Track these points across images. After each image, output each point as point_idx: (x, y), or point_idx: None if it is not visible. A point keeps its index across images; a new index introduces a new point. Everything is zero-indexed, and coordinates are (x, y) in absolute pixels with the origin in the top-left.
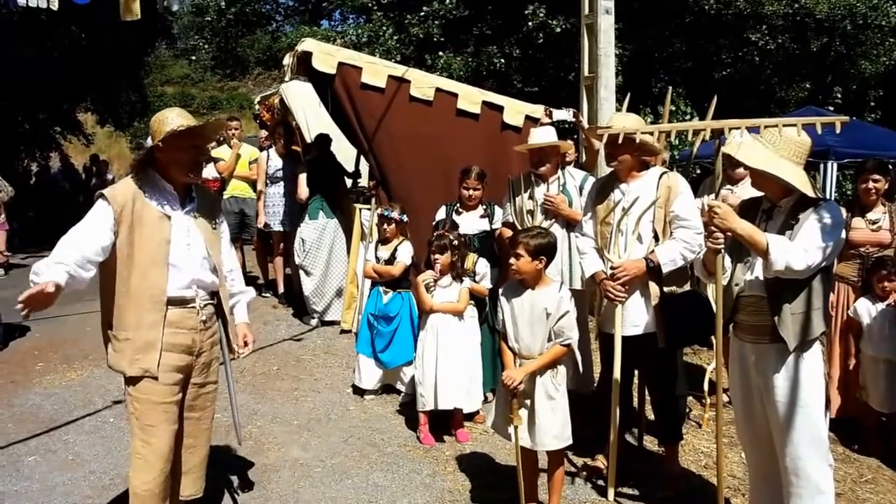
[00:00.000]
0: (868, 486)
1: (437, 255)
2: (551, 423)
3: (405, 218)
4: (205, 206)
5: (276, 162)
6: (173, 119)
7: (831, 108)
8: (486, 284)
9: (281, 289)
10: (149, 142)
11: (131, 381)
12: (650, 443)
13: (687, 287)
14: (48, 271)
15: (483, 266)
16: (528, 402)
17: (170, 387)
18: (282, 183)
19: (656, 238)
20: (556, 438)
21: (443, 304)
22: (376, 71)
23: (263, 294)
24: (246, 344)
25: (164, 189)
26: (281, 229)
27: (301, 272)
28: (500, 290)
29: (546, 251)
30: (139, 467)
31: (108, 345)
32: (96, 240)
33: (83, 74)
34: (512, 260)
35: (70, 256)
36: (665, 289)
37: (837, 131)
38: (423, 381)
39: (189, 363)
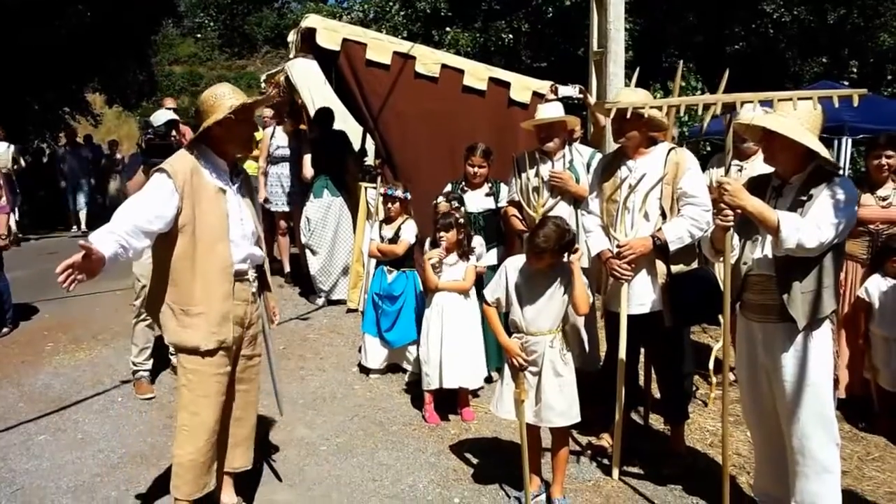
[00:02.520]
0: (875, 464)
1: (443, 233)
2: (558, 400)
3: (409, 196)
4: (246, 182)
5: (279, 141)
6: (229, 94)
7: (846, 83)
8: (482, 262)
9: (287, 268)
10: (159, 117)
11: (189, 352)
12: (656, 421)
13: (694, 265)
14: (99, 241)
15: (479, 244)
16: (535, 378)
17: (225, 358)
18: (285, 163)
19: (663, 215)
20: (563, 416)
21: (448, 283)
22: (381, 47)
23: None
24: (274, 315)
25: (217, 164)
26: (284, 209)
27: (307, 251)
28: (506, 266)
29: (571, 245)
30: (184, 439)
31: (161, 320)
32: (153, 209)
33: (91, 54)
34: (535, 260)
35: (123, 226)
36: (672, 267)
37: (855, 104)
38: (428, 359)
39: (241, 335)
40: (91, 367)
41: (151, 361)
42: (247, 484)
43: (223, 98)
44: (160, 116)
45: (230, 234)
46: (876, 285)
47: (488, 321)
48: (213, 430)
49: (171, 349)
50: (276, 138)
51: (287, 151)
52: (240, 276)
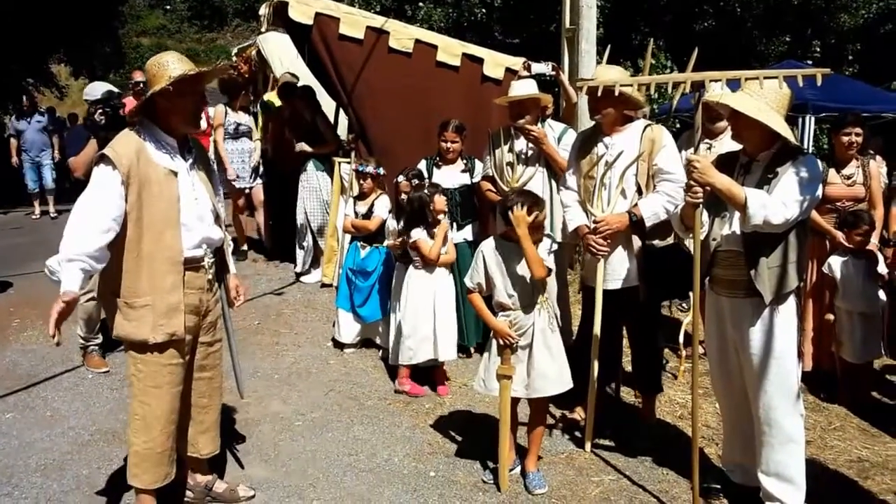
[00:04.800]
0: (836, 434)
1: (436, 197)
2: (551, 369)
3: (381, 171)
4: (201, 157)
5: (234, 118)
6: (174, 63)
7: (810, 63)
8: (457, 238)
9: (244, 245)
10: (96, 89)
11: (138, 346)
12: (627, 394)
13: (670, 240)
14: (65, 273)
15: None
16: (525, 351)
17: (178, 348)
18: (244, 139)
19: (639, 191)
20: (556, 383)
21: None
22: (354, 22)
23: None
24: (238, 295)
25: (165, 141)
26: (246, 185)
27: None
28: (482, 250)
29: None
30: (138, 428)
31: (110, 313)
32: (109, 213)
33: (56, 24)
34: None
35: (84, 249)
36: (647, 242)
37: (819, 83)
38: (413, 333)
39: (197, 323)
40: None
41: (100, 335)
42: (221, 460)
43: (167, 67)
44: (97, 88)
45: (183, 217)
46: (838, 260)
47: (475, 307)
48: (169, 421)
49: None
50: (230, 115)
51: (249, 127)
52: (193, 264)
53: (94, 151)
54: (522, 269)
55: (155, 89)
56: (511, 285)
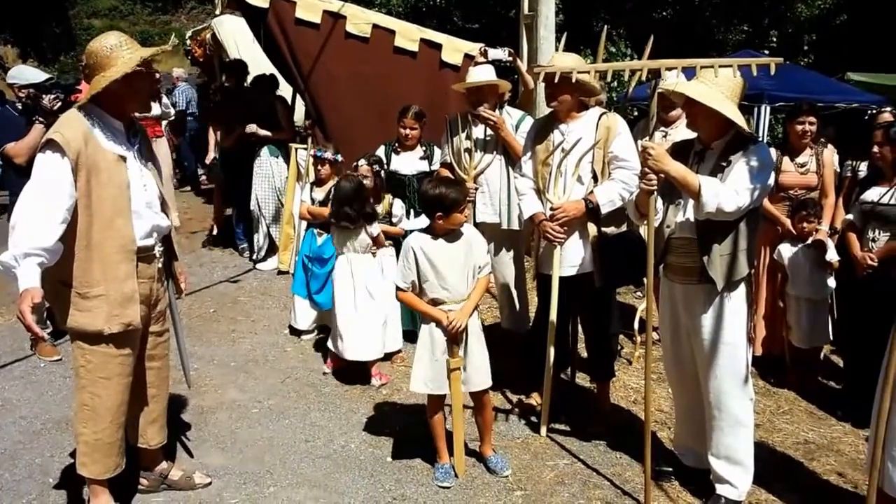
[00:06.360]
0: (785, 417)
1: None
2: (483, 361)
3: (339, 158)
4: (146, 141)
5: None
6: (124, 44)
7: (767, 52)
8: (402, 226)
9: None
10: (27, 73)
11: (91, 337)
12: (582, 380)
13: (624, 227)
14: (23, 270)
15: (399, 208)
16: (461, 347)
17: (129, 339)
18: None
19: (595, 178)
20: (488, 375)
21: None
22: (311, 6)
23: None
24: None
25: (113, 126)
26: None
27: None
28: (412, 247)
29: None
30: (87, 418)
31: (59, 303)
32: (62, 207)
33: (2, 4)
34: (462, 218)
35: (41, 244)
36: (602, 229)
37: (772, 73)
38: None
39: (146, 314)
40: (11, 332)
41: (49, 324)
42: (177, 448)
43: (120, 49)
44: (25, 72)
45: (133, 204)
46: (788, 248)
47: (410, 305)
48: (119, 412)
49: None
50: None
51: None
52: (144, 254)
53: (39, 136)
54: (456, 262)
55: (125, 70)
56: (446, 279)
